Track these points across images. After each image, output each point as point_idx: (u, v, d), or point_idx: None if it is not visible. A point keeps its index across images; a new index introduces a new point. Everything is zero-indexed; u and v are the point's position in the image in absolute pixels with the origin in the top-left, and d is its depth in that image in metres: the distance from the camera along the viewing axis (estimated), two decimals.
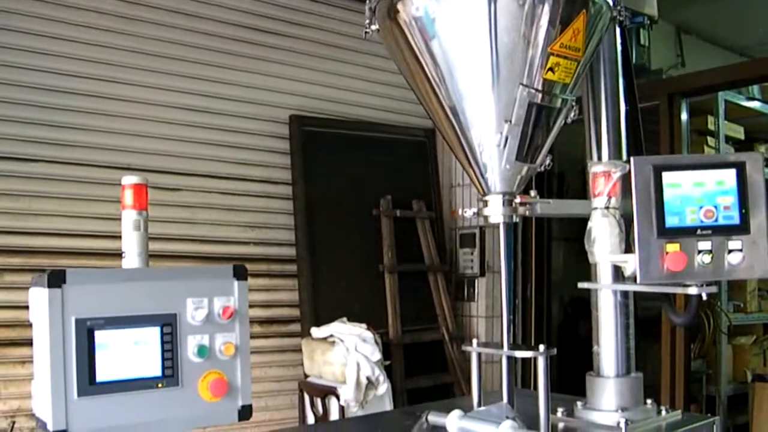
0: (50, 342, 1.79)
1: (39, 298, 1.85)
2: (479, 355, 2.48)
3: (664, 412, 2.55)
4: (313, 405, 4.87)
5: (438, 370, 5.78)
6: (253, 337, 2.05)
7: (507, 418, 2.10)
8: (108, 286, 1.87)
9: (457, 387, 5.73)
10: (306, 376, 5.07)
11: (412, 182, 6.12)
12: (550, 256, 6.80)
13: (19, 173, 4.64)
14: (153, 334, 1.90)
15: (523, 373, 5.89)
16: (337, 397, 4.58)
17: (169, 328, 1.92)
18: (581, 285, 2.61)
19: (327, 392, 4.70)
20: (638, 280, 2.17)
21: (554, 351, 2.20)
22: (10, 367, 4.62)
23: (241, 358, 2.03)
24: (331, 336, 4.80)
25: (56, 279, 1.80)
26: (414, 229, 5.96)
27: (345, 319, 4.88)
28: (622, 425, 2.35)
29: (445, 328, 5.86)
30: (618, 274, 2.52)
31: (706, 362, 6.73)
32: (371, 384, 4.63)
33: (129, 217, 2.00)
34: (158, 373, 1.91)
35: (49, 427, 1.80)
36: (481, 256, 6.15)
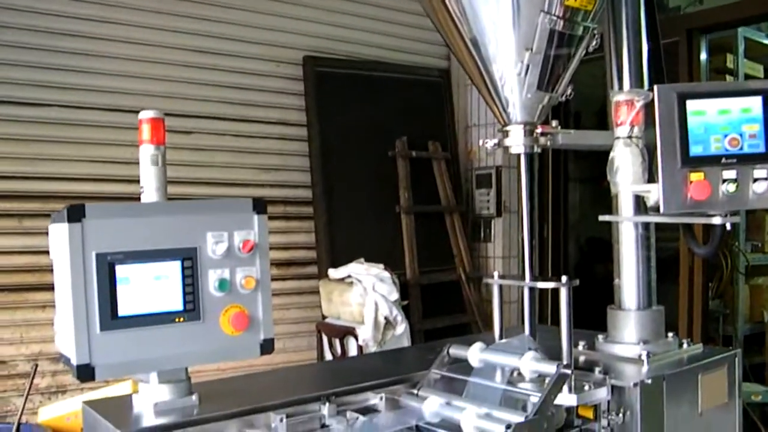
0: (72, 277, 1.78)
1: (59, 233, 1.84)
2: (500, 289, 2.46)
3: (685, 345, 2.54)
4: (331, 346, 4.89)
5: (455, 310, 5.80)
6: (270, 279, 2.04)
7: (529, 349, 2.09)
8: (128, 220, 1.85)
9: (474, 327, 5.75)
10: (324, 317, 5.09)
11: (428, 123, 6.07)
12: (567, 197, 6.76)
13: (34, 118, 4.63)
14: (174, 268, 1.90)
15: (540, 311, 5.88)
16: (356, 338, 4.60)
17: (190, 262, 1.91)
18: (602, 218, 2.58)
19: (345, 333, 4.72)
20: (661, 210, 2.14)
21: (576, 282, 2.19)
22: (31, 311, 4.66)
23: (262, 292, 2.03)
24: (349, 277, 4.80)
25: (76, 213, 1.79)
26: (430, 170, 5.93)
27: (362, 259, 4.88)
28: (644, 357, 2.35)
29: (462, 269, 5.86)
30: (639, 205, 2.49)
31: (723, 302, 6.72)
32: (389, 324, 4.64)
33: (146, 151, 1.97)
34: (179, 307, 1.91)
35: (73, 361, 1.80)
36: (498, 197, 6.13)
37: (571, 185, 6.90)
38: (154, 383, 1.95)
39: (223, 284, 1.94)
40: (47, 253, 1.94)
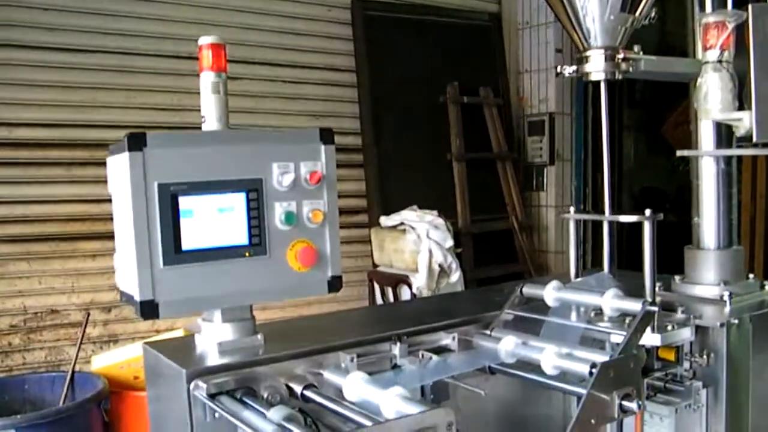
0: (133, 209, 1.70)
1: (119, 164, 1.76)
2: (577, 226, 2.34)
3: (767, 287, 2.41)
4: (383, 294, 4.82)
5: (508, 259, 5.69)
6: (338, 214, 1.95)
7: (610, 287, 1.98)
8: (190, 149, 1.76)
9: (527, 276, 5.64)
10: (375, 265, 5.01)
11: (479, 69, 5.91)
12: (621, 146, 6.58)
13: (82, 65, 4.57)
14: (238, 200, 1.81)
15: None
16: (409, 286, 4.52)
17: (255, 194, 1.82)
18: (680, 153, 2.45)
19: (398, 281, 4.64)
20: (754, 138, 2.01)
21: (661, 216, 2.06)
22: (82, 260, 4.64)
23: (330, 227, 1.93)
24: (402, 224, 4.71)
25: (137, 142, 1.70)
26: (481, 116, 5.79)
27: (415, 206, 4.78)
28: (726, 298, 2.22)
29: (515, 218, 5.74)
30: (721, 139, 2.35)
31: None
32: (443, 271, 4.55)
33: (207, 79, 1.87)
34: (245, 241, 1.82)
35: (136, 297, 1.73)
36: (551, 144, 5.97)
37: (625, 134, 6.73)
38: (217, 322, 1.87)
39: (289, 217, 1.85)
40: (96, 201, 1.87)
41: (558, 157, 5.99)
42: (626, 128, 6.68)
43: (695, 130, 2.43)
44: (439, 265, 4.51)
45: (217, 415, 1.70)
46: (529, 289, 2.17)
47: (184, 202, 1.74)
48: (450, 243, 4.56)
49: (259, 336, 1.91)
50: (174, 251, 1.74)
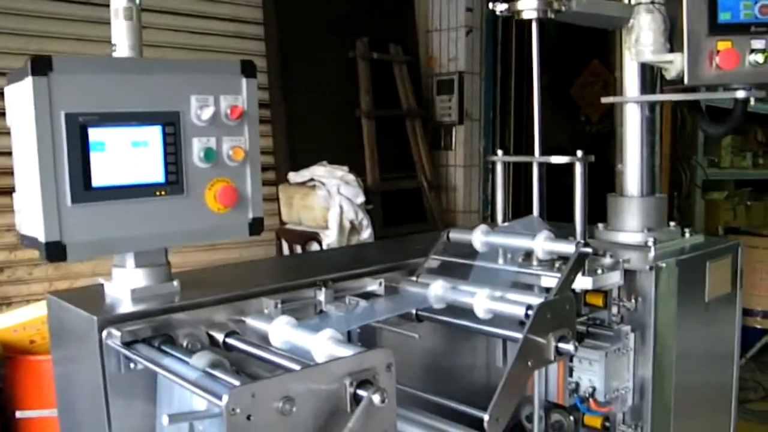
0: (38, 141, 1.54)
1: (20, 92, 1.60)
2: (504, 167, 2.29)
3: (687, 235, 2.42)
4: (292, 252, 4.71)
5: (416, 219, 5.62)
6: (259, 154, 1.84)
7: (541, 229, 1.93)
8: (101, 76, 1.61)
9: None
10: (283, 223, 4.89)
11: (388, 26, 5.79)
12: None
13: None
14: (154, 134, 1.67)
15: None
16: (319, 243, 4.42)
17: (172, 128, 1.69)
18: (605, 100, 2.42)
19: (308, 238, 4.53)
20: (685, 81, 1.98)
21: (592, 158, 2.02)
22: None
23: (251, 165, 1.82)
24: (311, 180, 4.60)
25: (41, 66, 1.54)
26: (391, 74, 5.68)
27: (325, 162, 4.67)
28: (651, 244, 2.20)
29: (423, 177, 5.68)
30: (646, 86, 2.33)
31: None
32: (354, 228, 4.47)
33: (119, 3, 1.72)
34: (161, 178, 1.69)
35: (41, 238, 1.58)
36: (460, 104, 5.93)
37: None
38: (130, 267, 1.74)
39: (209, 154, 1.73)
40: None
41: (467, 116, 5.95)
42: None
43: (620, 77, 2.41)
44: (350, 222, 4.42)
45: (132, 365, 1.58)
46: (455, 234, 2.11)
47: (95, 134, 1.60)
48: (361, 199, 4.48)
49: (175, 283, 1.79)
50: (83, 188, 1.59)
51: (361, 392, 1.28)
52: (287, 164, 5.01)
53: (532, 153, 2.25)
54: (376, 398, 1.26)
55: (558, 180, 2.41)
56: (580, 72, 6.86)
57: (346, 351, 1.36)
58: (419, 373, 2.15)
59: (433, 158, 5.90)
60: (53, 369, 1.87)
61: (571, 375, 2.09)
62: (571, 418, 2.18)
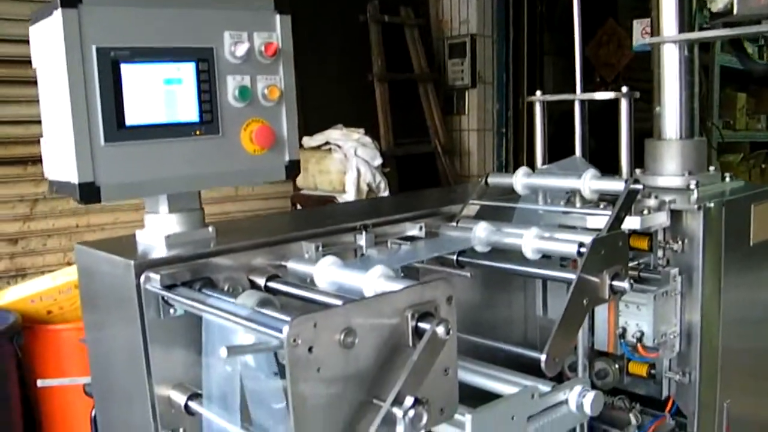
0: (69, 76, 1.48)
1: (48, 28, 1.53)
2: (543, 108, 2.22)
3: (728, 179, 2.35)
4: None
5: (431, 184, 5.55)
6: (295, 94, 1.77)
7: (586, 168, 1.86)
8: (132, 10, 1.54)
9: None
10: (298, 189, 4.82)
11: None
12: (542, 71, 6.51)
13: None
14: (188, 71, 1.60)
15: None
16: None
17: (206, 64, 1.62)
18: (649, 40, 2.34)
19: (324, 203, 4.46)
20: (735, 11, 1.90)
21: (637, 94, 1.95)
22: None
23: (287, 106, 1.76)
24: (327, 144, 4.52)
25: None
26: (402, 37, 5.59)
27: (340, 125, 4.59)
28: (693, 186, 2.14)
29: (437, 141, 5.60)
30: (683, 24, 2.25)
31: None
32: (371, 191, 4.39)
33: None
34: (195, 118, 1.62)
35: (74, 180, 1.51)
36: (472, 67, 5.83)
37: (546, 59, 6.65)
38: (163, 213, 1.68)
39: (244, 93, 1.66)
40: None
41: (480, 80, 5.86)
42: (547, 54, 6.59)
43: (656, 17, 2.33)
44: (368, 185, 4.35)
45: (172, 311, 1.52)
46: (494, 179, 2.04)
47: (127, 71, 1.53)
48: (379, 161, 4.41)
49: (210, 229, 1.73)
50: (116, 127, 1.53)
51: (423, 325, 1.21)
52: (300, 129, 4.92)
53: (545, 116, 2.19)
54: (440, 330, 1.19)
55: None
56: (594, 32, 6.75)
57: (400, 287, 1.29)
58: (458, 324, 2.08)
59: (447, 123, 5.82)
60: (85, 328, 1.81)
61: (617, 321, 2.03)
62: (616, 366, 2.12)
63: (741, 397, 2.23)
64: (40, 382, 3.53)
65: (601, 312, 2.04)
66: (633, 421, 2.08)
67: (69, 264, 4.38)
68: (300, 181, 4.72)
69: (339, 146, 4.41)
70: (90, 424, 1.92)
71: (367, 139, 4.43)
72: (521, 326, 2.32)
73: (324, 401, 1.14)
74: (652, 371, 2.10)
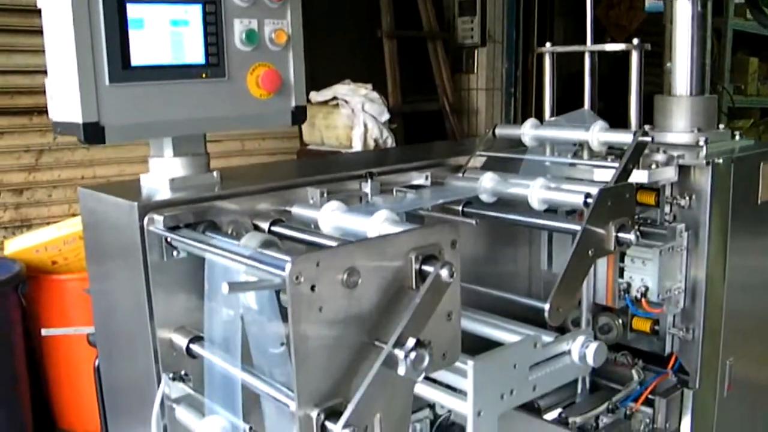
0: (74, 13, 1.47)
1: None
2: (552, 60, 2.19)
3: (737, 137, 2.32)
4: None
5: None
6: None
7: (595, 121, 1.84)
8: None
9: None
10: (304, 145, 4.80)
11: None
12: (552, 31, 6.45)
13: None
14: (194, 12, 1.59)
15: None
16: None
17: (213, 6, 1.61)
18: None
19: None
20: None
21: (648, 46, 1.92)
22: None
23: (294, 50, 1.75)
24: (334, 99, 4.48)
25: None
26: None
27: (348, 80, 4.55)
28: (702, 143, 2.11)
29: (445, 99, 5.56)
30: None
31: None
32: (378, 147, 4.37)
33: None
34: (201, 60, 1.61)
35: (78, 119, 1.50)
36: (482, 25, 5.77)
37: (557, 21, 6.59)
38: (168, 156, 1.67)
39: (250, 36, 1.65)
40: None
41: (489, 38, 5.80)
42: (558, 15, 6.52)
43: None
44: (375, 141, 4.33)
45: (176, 253, 1.51)
46: (502, 130, 2.02)
47: (133, 11, 1.52)
48: (386, 116, 4.38)
49: (215, 173, 1.72)
50: (121, 67, 1.52)
51: (426, 268, 1.21)
52: (308, 82, 4.88)
53: (554, 69, 2.16)
54: (444, 272, 1.19)
55: None
56: None
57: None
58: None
59: (455, 81, 5.78)
60: (89, 278, 1.81)
61: (621, 276, 2.03)
62: (620, 321, 2.12)
63: (744, 357, 2.23)
64: (44, 331, 3.55)
65: (604, 266, 2.03)
66: (635, 376, 2.08)
67: (74, 215, 4.38)
68: (306, 136, 4.70)
69: (346, 101, 4.38)
70: (93, 374, 1.93)
71: (375, 95, 4.40)
72: (525, 281, 2.32)
73: (326, 342, 1.14)
74: (656, 327, 2.10)
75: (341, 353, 1.16)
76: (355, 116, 4.29)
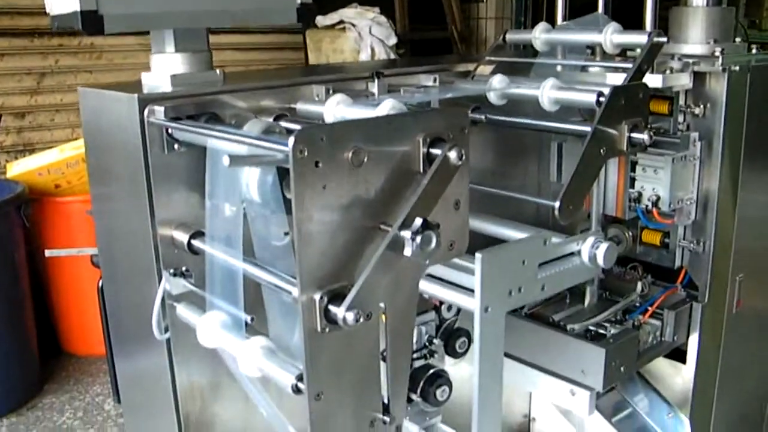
0: None
1: None
2: None
3: (754, 51, 2.25)
4: None
5: None
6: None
7: (608, 23, 1.78)
8: None
9: None
10: None
11: None
12: None
13: None
14: None
15: None
16: None
17: None
18: None
19: None
20: None
21: None
22: None
23: None
24: (341, 23, 4.41)
25: None
26: None
27: (356, 4, 4.47)
28: (718, 53, 2.05)
29: (454, 27, 5.46)
30: None
31: None
32: None
33: None
34: None
35: (76, 7, 1.45)
36: None
37: None
38: (170, 51, 1.62)
39: None
40: None
41: None
42: None
43: None
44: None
45: (177, 146, 1.48)
46: (512, 35, 1.97)
47: None
48: (393, 40, 4.31)
49: (218, 71, 1.67)
50: None
51: (435, 150, 1.17)
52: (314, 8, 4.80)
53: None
54: (453, 155, 1.15)
55: None
56: None
57: None
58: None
59: (464, 10, 5.67)
60: (92, 199, 1.78)
61: (632, 186, 1.98)
62: (629, 233, 2.08)
63: (754, 274, 2.20)
64: (47, 252, 3.55)
65: (614, 176, 1.99)
66: (639, 288, 2.04)
67: (78, 139, 4.34)
68: (313, 60, 4.63)
69: (353, 25, 4.30)
70: (97, 294, 1.92)
71: (382, 18, 4.32)
72: (534, 193, 2.27)
73: (330, 223, 1.10)
74: (666, 240, 2.06)
75: (346, 236, 1.13)
76: (362, 40, 4.22)
